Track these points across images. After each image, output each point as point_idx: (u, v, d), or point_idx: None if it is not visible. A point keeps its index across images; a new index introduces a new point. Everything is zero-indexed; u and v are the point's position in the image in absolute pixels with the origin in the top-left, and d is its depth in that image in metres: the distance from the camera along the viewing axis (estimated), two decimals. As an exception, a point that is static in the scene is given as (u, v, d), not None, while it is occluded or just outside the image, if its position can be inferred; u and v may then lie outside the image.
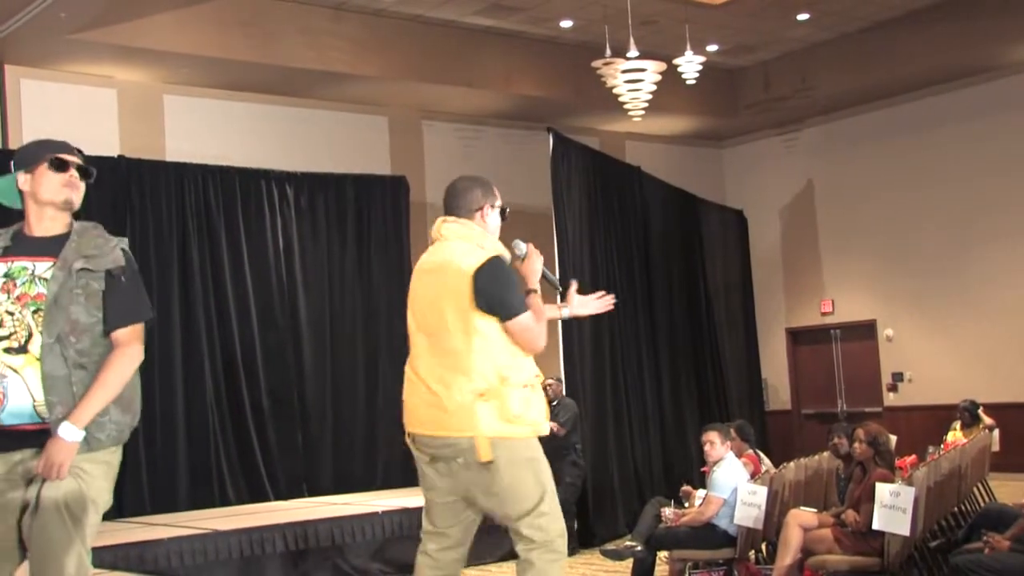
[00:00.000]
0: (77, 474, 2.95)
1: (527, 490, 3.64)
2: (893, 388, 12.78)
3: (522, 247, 3.92)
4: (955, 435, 9.58)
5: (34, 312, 3.00)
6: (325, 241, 10.81)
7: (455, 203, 3.87)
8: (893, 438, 6.64)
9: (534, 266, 3.86)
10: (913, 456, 7.98)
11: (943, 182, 12.37)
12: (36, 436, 2.95)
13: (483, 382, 3.56)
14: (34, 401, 2.96)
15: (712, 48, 11.89)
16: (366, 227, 11.01)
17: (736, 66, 12.99)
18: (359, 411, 10.64)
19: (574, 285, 4.16)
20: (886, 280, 12.88)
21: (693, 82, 10.43)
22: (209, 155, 10.30)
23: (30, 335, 2.98)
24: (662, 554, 6.81)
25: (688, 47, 10.14)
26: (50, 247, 3.08)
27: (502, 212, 3.96)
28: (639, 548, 6.66)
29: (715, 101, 13.11)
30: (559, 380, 9.72)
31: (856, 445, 6.15)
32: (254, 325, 10.20)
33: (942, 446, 8.62)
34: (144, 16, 9.24)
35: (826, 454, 7.18)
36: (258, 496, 9.86)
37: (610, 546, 7.71)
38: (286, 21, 10.12)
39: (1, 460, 2.96)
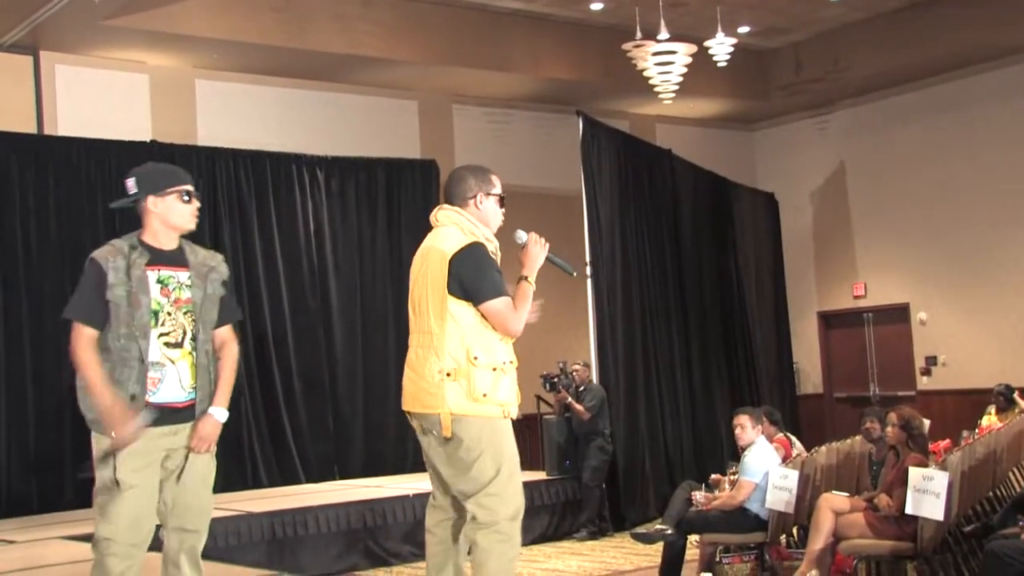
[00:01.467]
0: (214, 452, 3.79)
1: (482, 468, 3.76)
2: (927, 372, 12.67)
3: (522, 236, 4.00)
4: (990, 419, 9.48)
5: (184, 314, 3.68)
6: (355, 225, 10.85)
7: (451, 191, 4.02)
8: (927, 422, 6.58)
9: (532, 254, 3.96)
10: (947, 440, 7.91)
11: (977, 163, 12.22)
12: (184, 412, 3.66)
13: (451, 362, 3.73)
14: (182, 385, 3.64)
15: (743, 30, 11.78)
16: (396, 211, 11.04)
17: (767, 48, 12.88)
18: (390, 394, 10.67)
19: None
20: (919, 263, 12.76)
21: (724, 64, 10.36)
22: (241, 140, 10.35)
23: (184, 333, 3.65)
24: (693, 538, 6.81)
25: (719, 29, 10.07)
26: (180, 259, 3.73)
27: (501, 200, 4.04)
28: (670, 531, 6.65)
29: (746, 83, 13.01)
30: (586, 365, 9.73)
31: (889, 429, 6.11)
32: (285, 309, 10.26)
33: (977, 430, 8.54)
34: (176, 1, 9.28)
35: (858, 438, 7.14)
36: (290, 479, 9.94)
37: (641, 529, 7.70)
38: (317, 6, 10.14)
39: (150, 433, 3.56)
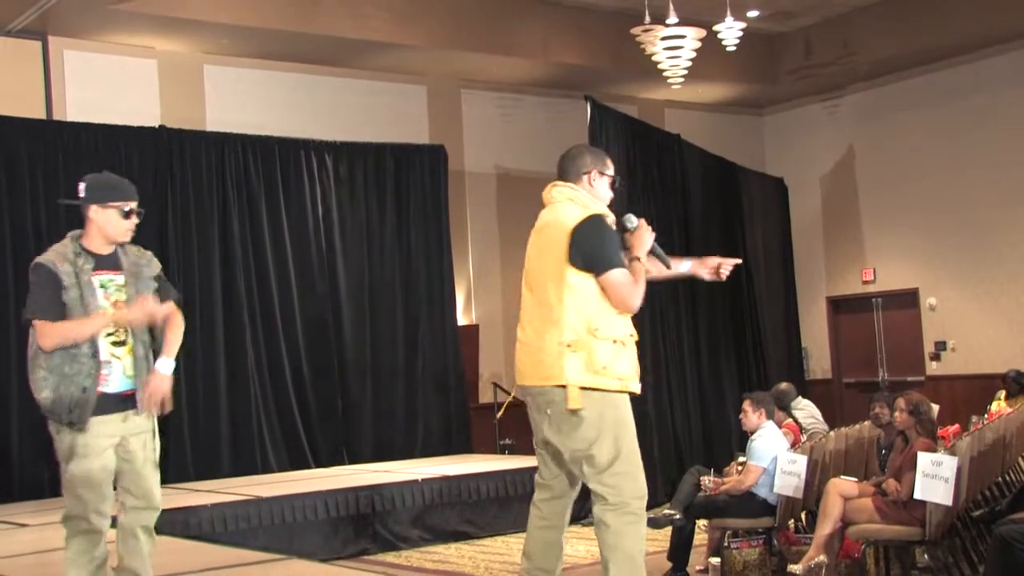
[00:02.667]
0: (157, 434, 4.14)
1: (605, 447, 3.72)
2: (936, 357, 12.65)
3: (633, 220, 4.06)
4: (999, 405, 9.48)
5: None
6: (364, 210, 10.85)
7: (565, 167, 4.06)
8: (935, 407, 6.57)
9: (643, 238, 4.01)
10: (956, 425, 7.90)
11: (987, 148, 12.16)
12: (130, 399, 4.01)
13: (572, 333, 3.68)
14: (125, 375, 3.98)
15: (753, 14, 11.73)
16: (405, 196, 11.04)
17: (777, 32, 12.82)
18: (399, 379, 10.71)
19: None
20: (929, 248, 12.72)
21: (733, 49, 10.31)
22: (249, 125, 10.35)
23: (126, 331, 3.99)
24: (701, 522, 6.83)
25: (728, 13, 10.01)
26: (115, 262, 4.07)
27: (612, 183, 4.10)
28: (678, 516, 6.67)
29: (755, 68, 12.96)
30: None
31: (897, 414, 6.11)
32: (294, 294, 10.28)
33: (986, 415, 8.53)
34: (184, -14, 9.27)
35: (867, 423, 7.14)
36: (299, 463, 9.98)
37: (649, 514, 7.71)
38: (324, -10, 10.11)
39: (104, 420, 3.94)
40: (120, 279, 4.04)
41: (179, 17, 9.43)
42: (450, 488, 8.57)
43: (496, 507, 8.79)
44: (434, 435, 10.72)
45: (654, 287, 10.68)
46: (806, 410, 8.12)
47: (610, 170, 4.08)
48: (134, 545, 4.03)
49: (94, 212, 4.03)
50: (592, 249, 3.76)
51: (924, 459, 5.54)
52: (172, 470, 9.14)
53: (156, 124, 9.83)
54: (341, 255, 10.64)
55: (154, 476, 4.07)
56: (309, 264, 10.43)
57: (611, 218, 3.96)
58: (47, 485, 8.67)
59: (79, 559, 4.01)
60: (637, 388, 3.86)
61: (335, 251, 10.62)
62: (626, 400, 3.82)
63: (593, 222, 3.82)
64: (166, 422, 9.01)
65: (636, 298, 3.79)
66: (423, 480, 8.51)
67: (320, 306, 10.45)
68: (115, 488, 4.09)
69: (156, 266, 4.20)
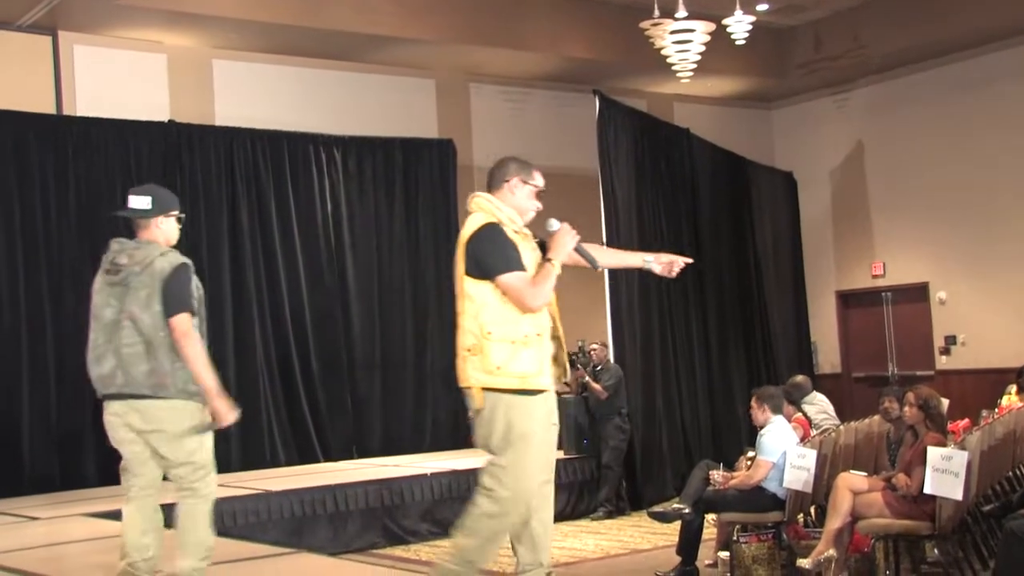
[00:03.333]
0: None
1: (496, 441, 3.86)
2: (946, 351, 12.61)
3: (555, 224, 4.08)
4: (1010, 399, 9.43)
5: None
6: (373, 204, 10.86)
7: (491, 175, 4.18)
8: (945, 402, 6.56)
9: (562, 242, 4.03)
10: (966, 420, 7.88)
11: (998, 141, 12.11)
12: None
13: (471, 338, 3.87)
14: None
15: (762, 7, 11.69)
16: (413, 190, 11.04)
17: (786, 25, 12.78)
18: (407, 373, 10.72)
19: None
20: (939, 242, 12.68)
21: (743, 42, 10.28)
22: (258, 119, 10.35)
23: None
24: (710, 517, 6.82)
25: (738, 7, 9.98)
26: None
27: (537, 193, 4.13)
28: (687, 510, 6.67)
29: (765, 61, 12.92)
30: (604, 345, 9.73)
31: (907, 409, 6.09)
32: (303, 288, 10.29)
33: (996, 410, 8.50)
34: (193, -19, 9.28)
35: (876, 418, 7.12)
36: (308, 458, 10.00)
37: (658, 508, 7.73)
38: (333, -16, 10.11)
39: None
40: None
41: (188, 12, 9.44)
42: (459, 482, 8.58)
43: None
44: (443, 429, 10.73)
45: (662, 283, 10.71)
46: (818, 405, 8.11)
47: (536, 180, 4.12)
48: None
49: (160, 223, 4.34)
50: (483, 256, 3.89)
51: (934, 454, 5.52)
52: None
53: (165, 119, 9.85)
54: (350, 249, 10.65)
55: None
56: (318, 258, 10.44)
57: (515, 225, 4.02)
58: (57, 479, 8.70)
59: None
60: (542, 384, 3.90)
61: (344, 245, 10.63)
62: (530, 399, 3.87)
63: (485, 231, 3.93)
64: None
65: (533, 298, 3.86)
66: (432, 474, 8.53)
67: (329, 300, 10.46)
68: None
69: None
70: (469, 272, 3.91)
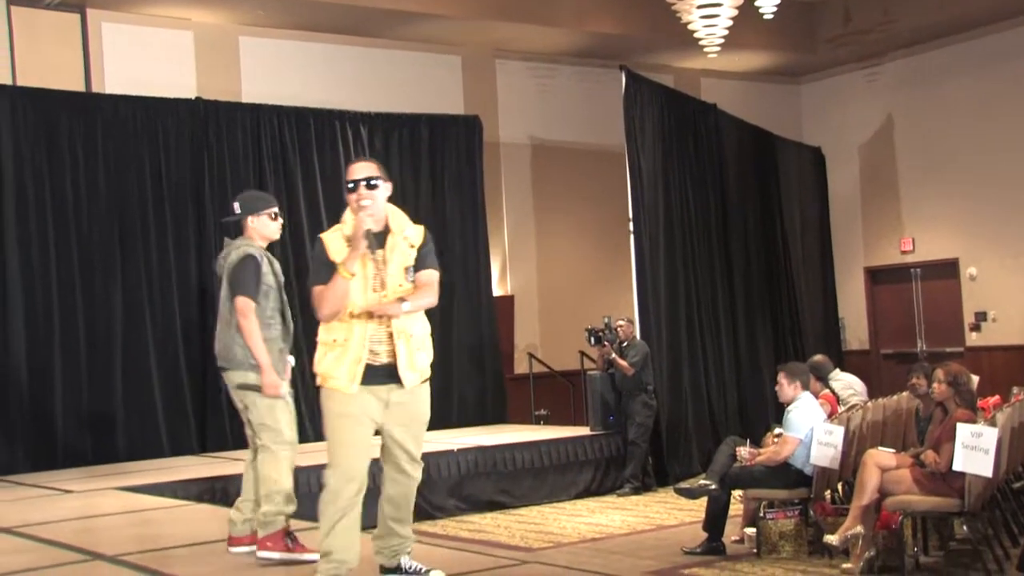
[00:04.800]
0: None
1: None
2: (976, 327, 12.51)
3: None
4: (1040, 376, 9.36)
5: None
6: (399, 181, 10.80)
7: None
8: (975, 378, 6.51)
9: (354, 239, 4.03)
10: (996, 396, 7.83)
11: (1031, 116, 11.97)
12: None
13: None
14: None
15: (791, -20, 11.58)
16: (439, 167, 11.04)
17: (815, 0, 12.66)
18: (435, 349, 10.71)
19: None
20: (969, 217, 12.56)
21: (771, 17, 10.18)
22: (284, 96, 10.37)
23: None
24: (736, 493, 6.82)
25: (766, -20, 9.89)
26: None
27: (349, 189, 4.07)
28: (713, 487, 6.67)
29: (793, 36, 12.80)
30: (630, 321, 9.72)
31: (935, 385, 6.05)
32: (330, 265, 10.31)
33: (1026, 387, 8.43)
34: (219, -42, 9.28)
35: (905, 394, 7.09)
36: (337, 433, 10.04)
37: (684, 485, 7.74)
38: (359, -40, 10.09)
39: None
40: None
41: (215, -11, 9.46)
42: (486, 458, 8.61)
43: (531, 477, 8.83)
44: (469, 406, 10.77)
45: (689, 260, 10.65)
46: (843, 381, 8.08)
47: (348, 177, 4.09)
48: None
49: (251, 222, 4.93)
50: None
51: (964, 430, 5.49)
52: (211, 439, 9.27)
53: (193, 96, 9.88)
54: (376, 226, 10.66)
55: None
56: (345, 235, 10.46)
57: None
58: (89, 453, 8.81)
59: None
60: (337, 384, 3.97)
61: (371, 222, 10.63)
62: (338, 395, 3.98)
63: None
64: (205, 392, 9.13)
65: (324, 308, 4.00)
66: (459, 450, 8.56)
67: (356, 277, 10.48)
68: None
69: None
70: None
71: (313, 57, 10.88)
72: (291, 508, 4.82)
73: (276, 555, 4.67)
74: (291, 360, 5.05)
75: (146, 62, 9.90)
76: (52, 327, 8.89)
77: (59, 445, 8.78)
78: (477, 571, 4.57)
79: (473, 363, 10.88)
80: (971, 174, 12.47)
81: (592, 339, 9.54)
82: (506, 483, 8.66)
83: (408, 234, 4.09)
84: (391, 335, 3.97)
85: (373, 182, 4.02)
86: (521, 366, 11.66)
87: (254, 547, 4.73)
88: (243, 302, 4.76)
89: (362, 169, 4.05)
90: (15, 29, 9.32)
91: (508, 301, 11.73)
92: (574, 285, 12.09)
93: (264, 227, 4.95)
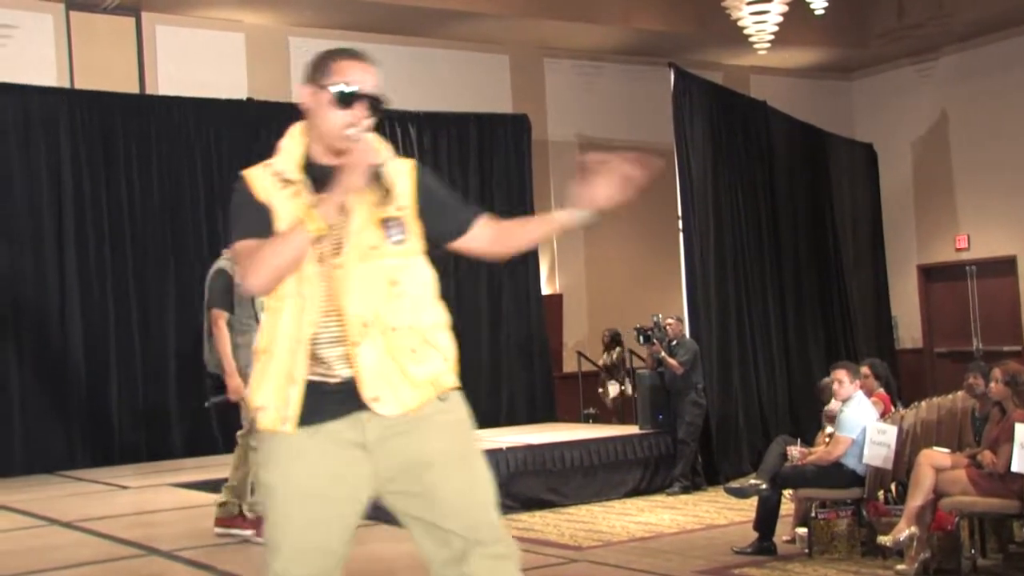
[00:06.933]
0: None
1: None
2: (1033, 326, 12.31)
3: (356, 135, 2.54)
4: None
5: None
6: (448, 180, 10.89)
7: None
8: (1033, 378, 6.39)
9: (340, 177, 2.43)
10: (1054, 397, 7.68)
11: (1090, 111, 11.74)
12: None
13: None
14: None
15: (842, -25, 11.46)
16: (488, 165, 11.06)
17: (868, -7, 12.51)
18: (483, 348, 10.77)
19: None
20: (1027, 214, 12.34)
21: (822, 13, 10.09)
22: (334, 96, 10.44)
23: None
24: (787, 493, 6.77)
25: (817, -25, 9.80)
26: None
27: (342, 98, 2.53)
28: (764, 486, 6.62)
29: (845, 31, 12.66)
30: (680, 319, 9.67)
31: (993, 385, 5.96)
32: (380, 264, 10.39)
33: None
34: (270, -40, 9.38)
35: (960, 394, 6.98)
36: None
37: (735, 484, 7.69)
38: (407, -40, 10.14)
39: None
40: None
41: (266, -10, 9.57)
42: (534, 457, 8.62)
43: (580, 476, 8.82)
44: (518, 404, 10.79)
45: (739, 257, 10.60)
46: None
47: (332, 80, 2.53)
48: None
49: None
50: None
51: (1022, 431, 5.40)
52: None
53: (244, 96, 9.99)
54: (425, 225, 10.71)
55: None
56: (394, 234, 10.53)
57: (277, 169, 2.50)
58: (144, 449, 8.95)
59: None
60: (270, 423, 2.36)
61: (419, 221, 10.69)
62: (276, 443, 2.36)
63: (232, 196, 2.50)
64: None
65: (247, 273, 2.35)
66: (507, 448, 8.58)
67: (405, 276, 10.55)
68: None
69: None
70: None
71: (362, 57, 10.94)
72: None
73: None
74: None
75: (199, 63, 10.03)
76: (108, 326, 9.04)
77: (116, 441, 8.93)
78: (527, 569, 4.54)
79: (522, 362, 10.89)
80: (1028, 170, 12.26)
81: (641, 338, 9.51)
82: (555, 482, 8.66)
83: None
84: (346, 328, 2.35)
85: (381, 105, 2.63)
86: (570, 364, 11.65)
87: (247, 531, 5.01)
88: (213, 313, 5.08)
89: (365, 74, 2.60)
90: (73, 33, 9.49)
91: (557, 299, 11.73)
92: (623, 283, 12.05)
93: None
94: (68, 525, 5.82)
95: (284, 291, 2.37)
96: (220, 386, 5.15)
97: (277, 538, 2.35)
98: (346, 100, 2.53)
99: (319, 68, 2.56)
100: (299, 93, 2.60)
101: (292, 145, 2.58)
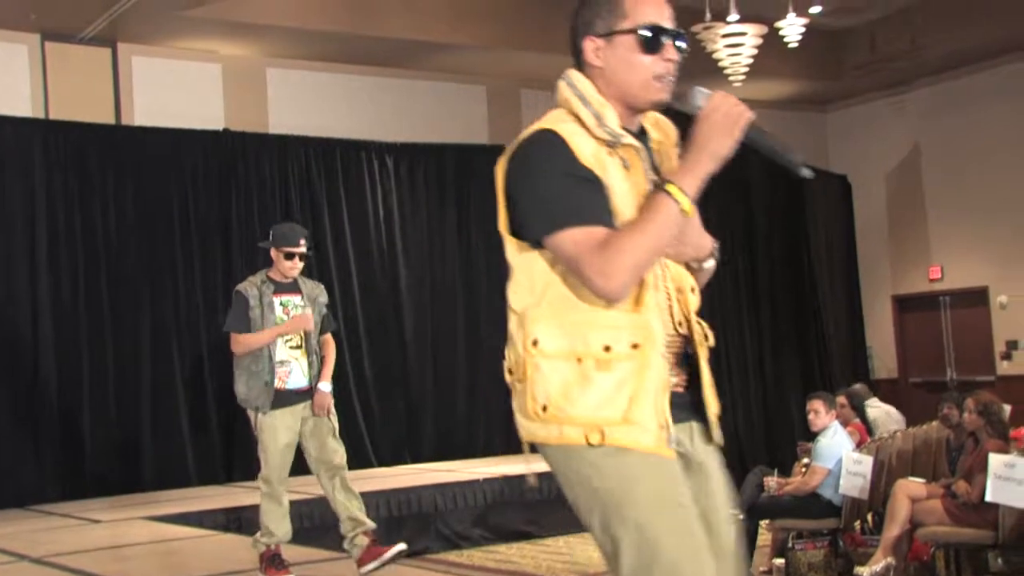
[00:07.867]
0: (334, 413, 5.45)
1: (595, 531, 2.49)
2: (1007, 356, 12.38)
3: (701, 97, 2.26)
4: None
5: None
6: (425, 211, 10.91)
7: (571, 40, 2.33)
8: (1007, 408, 6.44)
9: (707, 134, 2.16)
10: (1028, 427, 7.73)
11: (1060, 143, 11.89)
12: (306, 393, 5.30)
13: (512, 352, 2.29)
14: (303, 373, 5.29)
15: (815, 9, 11.56)
16: (466, 197, 11.08)
17: (841, 27, 12.63)
18: (460, 379, 10.74)
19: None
20: (999, 245, 12.45)
21: (796, 45, 10.19)
22: (311, 127, 10.46)
23: (301, 338, 5.33)
24: (764, 523, 6.76)
25: (791, 9, 9.90)
26: (294, 288, 5.40)
27: (646, 43, 2.21)
28: (741, 517, 6.59)
29: (819, 64, 12.79)
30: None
31: (967, 415, 6.00)
32: (356, 294, 10.37)
33: (1059, 417, 8.33)
34: (247, -9, 9.39)
35: (935, 423, 7.02)
36: (362, 462, 10.02)
37: (712, 515, 7.65)
38: (385, -7, 10.18)
39: (289, 411, 5.24)
40: (299, 300, 5.35)
41: (243, 21, 9.56)
42: (511, 488, 8.57)
43: (559, 507, 8.73)
44: (496, 435, 10.74)
45: (714, 286, 10.66)
46: (881, 408, 7.99)
47: (630, 21, 2.21)
48: (341, 499, 5.34)
49: (274, 254, 5.36)
50: (521, 199, 2.20)
51: (996, 461, 5.43)
52: (237, 469, 9.28)
53: (220, 127, 9.98)
54: (402, 256, 10.71)
55: (333, 442, 5.34)
56: (371, 265, 10.52)
57: (605, 131, 2.15)
58: (118, 481, 8.85)
59: (271, 511, 5.29)
60: (635, 438, 2.11)
61: (396, 252, 10.69)
62: (619, 459, 2.13)
63: (522, 152, 2.18)
64: (231, 422, 9.16)
65: (607, 268, 2.01)
66: (484, 479, 8.53)
67: (382, 307, 10.53)
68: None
69: (326, 297, 5.51)
70: (512, 229, 2.26)
71: (339, 88, 10.97)
72: (266, 540, 5.31)
73: None
74: (325, 387, 5.32)
75: (175, 94, 10.01)
76: (81, 357, 8.96)
77: (87, 474, 8.83)
78: (503, 602, 4.53)
79: (499, 392, 10.83)
80: (1000, 201, 12.38)
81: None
82: (533, 513, 8.61)
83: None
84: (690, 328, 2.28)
85: (687, 44, 2.31)
86: (547, 395, 11.61)
87: (370, 563, 5.25)
88: (231, 337, 5.29)
89: (662, 7, 2.31)
90: (48, 63, 9.46)
91: (533, 330, 11.71)
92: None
93: (278, 262, 5.35)
94: (38, 561, 5.74)
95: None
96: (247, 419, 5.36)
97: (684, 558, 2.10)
98: (654, 43, 2.16)
99: (605, 7, 2.16)
100: (583, 48, 2.28)
101: (601, 101, 2.13)
